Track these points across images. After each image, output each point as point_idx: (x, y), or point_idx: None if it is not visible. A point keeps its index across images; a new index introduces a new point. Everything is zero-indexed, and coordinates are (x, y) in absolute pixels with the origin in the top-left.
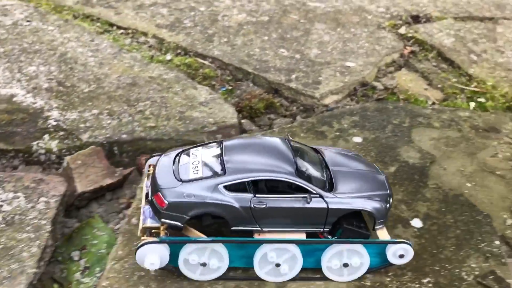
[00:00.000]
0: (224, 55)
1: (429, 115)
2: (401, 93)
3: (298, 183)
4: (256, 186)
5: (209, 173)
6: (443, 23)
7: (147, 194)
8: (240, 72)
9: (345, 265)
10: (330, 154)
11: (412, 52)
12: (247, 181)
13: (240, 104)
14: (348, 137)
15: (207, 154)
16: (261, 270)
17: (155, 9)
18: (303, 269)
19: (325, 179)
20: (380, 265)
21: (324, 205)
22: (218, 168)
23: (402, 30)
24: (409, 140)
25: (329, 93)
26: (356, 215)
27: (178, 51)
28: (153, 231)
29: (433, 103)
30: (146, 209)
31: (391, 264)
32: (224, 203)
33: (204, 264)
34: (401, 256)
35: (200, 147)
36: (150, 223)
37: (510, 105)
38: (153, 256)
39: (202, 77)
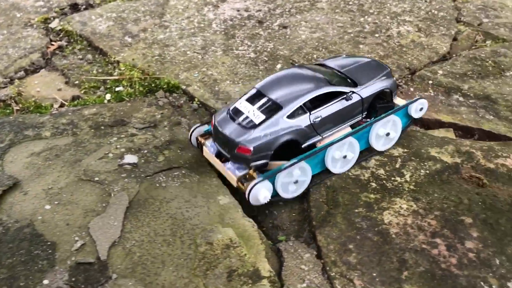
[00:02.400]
0: None
1: (43, 123)
2: (22, 102)
3: (337, 90)
4: (306, 106)
5: (270, 113)
6: (108, 6)
7: (217, 156)
8: None
9: (388, 134)
10: (332, 62)
11: (60, 47)
12: (301, 105)
13: None
14: None
15: (254, 101)
16: (334, 167)
17: None
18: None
19: (347, 79)
20: (407, 123)
21: (358, 98)
22: (273, 106)
23: (55, 23)
24: None
25: None
26: (377, 96)
27: None
28: (247, 177)
29: (61, 106)
30: (228, 166)
31: (415, 119)
32: (294, 128)
33: (296, 181)
34: (421, 109)
35: (242, 100)
36: (239, 173)
37: (152, 87)
38: (264, 191)
39: None
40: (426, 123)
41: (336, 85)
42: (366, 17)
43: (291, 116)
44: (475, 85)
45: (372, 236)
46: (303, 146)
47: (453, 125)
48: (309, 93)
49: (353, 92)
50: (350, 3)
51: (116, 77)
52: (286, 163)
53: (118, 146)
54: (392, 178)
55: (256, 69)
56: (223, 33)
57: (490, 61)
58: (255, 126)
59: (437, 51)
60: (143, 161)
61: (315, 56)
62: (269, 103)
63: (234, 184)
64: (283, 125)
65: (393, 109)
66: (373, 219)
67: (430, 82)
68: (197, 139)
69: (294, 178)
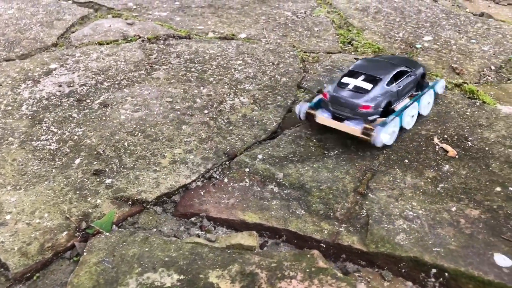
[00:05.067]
0: None
1: None
2: None
3: (405, 69)
4: (392, 79)
5: (374, 83)
6: None
7: (335, 117)
8: None
9: (429, 102)
10: (384, 58)
11: None
12: (390, 77)
13: None
14: None
15: (355, 77)
16: (406, 123)
17: None
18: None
19: (403, 65)
20: (435, 97)
21: (415, 76)
22: (374, 78)
23: None
24: None
25: None
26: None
27: None
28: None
29: None
30: (347, 123)
31: (439, 94)
32: (391, 92)
33: (394, 132)
34: (442, 87)
35: (344, 77)
36: (360, 125)
37: None
38: (386, 134)
39: None
40: (231, 225)
41: (403, 67)
42: (202, 88)
43: (388, 84)
44: (292, 172)
45: None
46: (391, 107)
47: (259, 226)
48: (394, 69)
49: (413, 72)
50: (192, 69)
51: None
52: (389, 118)
53: None
54: None
55: (51, 166)
56: (30, 117)
57: (315, 140)
58: (367, 91)
59: (266, 127)
60: None
61: (125, 144)
62: (370, 77)
63: (359, 134)
64: (385, 90)
65: (430, 86)
66: None
67: (247, 169)
68: (306, 113)
69: (393, 128)
